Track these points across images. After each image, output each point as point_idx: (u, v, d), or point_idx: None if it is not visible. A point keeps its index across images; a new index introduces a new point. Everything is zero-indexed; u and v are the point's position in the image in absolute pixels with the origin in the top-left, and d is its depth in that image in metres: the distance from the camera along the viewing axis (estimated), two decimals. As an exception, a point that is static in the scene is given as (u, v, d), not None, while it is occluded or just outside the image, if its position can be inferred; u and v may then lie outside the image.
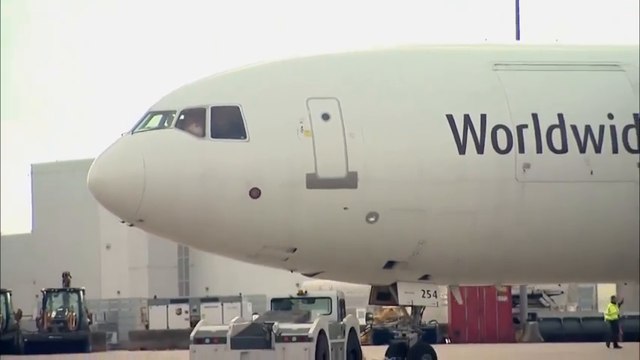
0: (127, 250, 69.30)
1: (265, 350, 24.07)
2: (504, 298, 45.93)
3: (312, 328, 24.27)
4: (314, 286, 39.97)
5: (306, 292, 27.09)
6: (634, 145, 25.04)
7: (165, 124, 23.92)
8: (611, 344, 40.62)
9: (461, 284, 28.79)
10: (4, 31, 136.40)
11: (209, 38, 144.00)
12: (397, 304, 25.79)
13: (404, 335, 25.69)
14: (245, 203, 23.61)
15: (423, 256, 24.74)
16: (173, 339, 50.12)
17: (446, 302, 37.83)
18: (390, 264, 24.69)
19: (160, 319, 53.03)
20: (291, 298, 26.42)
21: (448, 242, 24.97)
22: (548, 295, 51.57)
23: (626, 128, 24.96)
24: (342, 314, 26.34)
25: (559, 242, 25.52)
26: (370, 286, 26.45)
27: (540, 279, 38.78)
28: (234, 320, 25.02)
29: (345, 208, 23.78)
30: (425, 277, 25.23)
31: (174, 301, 55.63)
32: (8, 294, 49.62)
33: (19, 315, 50.82)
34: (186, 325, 50.34)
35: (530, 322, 47.54)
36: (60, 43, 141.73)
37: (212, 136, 23.55)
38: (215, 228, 24.40)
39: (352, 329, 26.13)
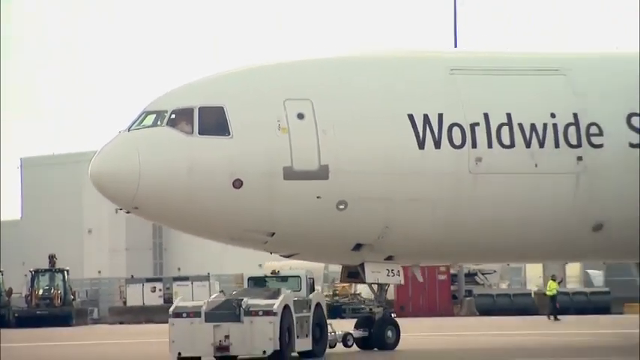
0: (107, 234, 71.09)
1: (235, 323, 24.75)
2: (444, 277, 48.27)
3: (276, 303, 25.04)
4: (278, 265, 39.60)
5: (278, 271, 27.85)
6: (573, 141, 26.53)
7: (158, 122, 25.31)
8: (551, 317, 42.89)
9: (421, 264, 30.07)
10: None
11: (201, 36, 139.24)
12: (365, 282, 27.38)
13: (370, 310, 27.48)
14: (229, 193, 24.96)
15: (387, 240, 26.16)
16: (148, 314, 51.73)
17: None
18: (358, 246, 26.17)
19: (137, 296, 54.54)
20: (266, 276, 27.29)
21: (410, 227, 26.34)
22: (483, 274, 53.73)
23: (567, 126, 26.45)
24: (310, 291, 27.29)
25: (507, 227, 27.03)
26: (341, 266, 28.27)
27: (491, 259, 41.88)
28: (213, 296, 26.17)
29: (317, 197, 25.22)
30: (389, 258, 26.73)
31: (149, 280, 57.22)
32: (0, 274, 51.51)
33: (9, 292, 52.85)
34: (160, 302, 52.71)
35: (467, 298, 49.99)
36: (56, 42, 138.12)
37: (199, 133, 24.87)
38: (202, 215, 25.82)
39: (318, 304, 26.97)
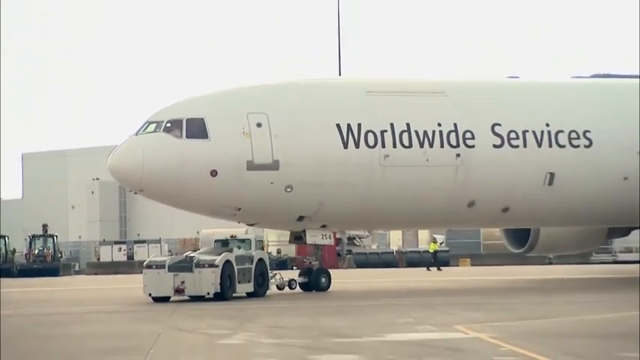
0: (85, 209, 77.62)
1: (188, 273, 27.62)
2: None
3: (218, 259, 27.66)
4: (210, 232, 46.05)
5: (235, 235, 31.40)
6: (454, 143, 30.95)
7: (157, 129, 29.08)
8: (433, 268, 49.31)
9: (345, 230, 35.23)
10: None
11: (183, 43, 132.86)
12: (306, 243, 31.43)
13: (310, 262, 31.62)
14: (207, 180, 28.87)
15: (321, 213, 30.34)
16: (115, 267, 58.63)
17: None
18: (300, 218, 30.23)
19: (107, 254, 61.17)
20: (227, 239, 30.39)
21: (338, 204, 30.46)
22: (359, 238, 60.57)
23: (449, 132, 30.87)
24: (260, 249, 30.40)
25: (407, 203, 31.37)
26: (289, 232, 32.30)
27: (395, 227, 46.95)
28: (185, 255, 29.03)
29: (271, 183, 29.17)
30: (323, 226, 30.87)
31: (116, 243, 64.17)
32: (7, 238, 59.70)
33: (13, 252, 60.97)
34: (124, 259, 60.31)
35: (348, 255, 57.00)
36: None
37: (187, 137, 28.82)
38: (188, 195, 29.71)
39: (261, 259, 29.51)
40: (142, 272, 28.56)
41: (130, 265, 57.01)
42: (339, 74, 46.02)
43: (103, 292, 36.74)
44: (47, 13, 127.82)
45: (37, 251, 58.57)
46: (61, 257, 60.39)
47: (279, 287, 30.74)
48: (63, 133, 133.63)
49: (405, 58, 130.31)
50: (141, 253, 58.12)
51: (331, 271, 33.29)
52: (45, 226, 59.96)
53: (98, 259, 61.84)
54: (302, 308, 25.59)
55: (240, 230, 37.41)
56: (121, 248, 62.11)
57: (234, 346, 17.39)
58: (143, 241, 62.70)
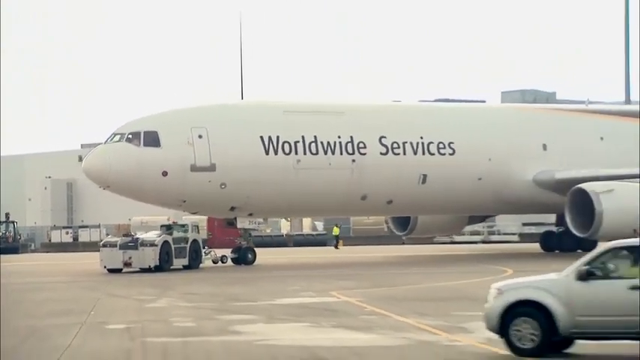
0: (40, 201, 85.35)
1: (134, 250, 31.15)
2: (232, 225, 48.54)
3: (157, 239, 31.19)
4: (139, 220, 48.22)
5: (176, 221, 35.11)
6: (350, 151, 35.50)
7: (121, 140, 33.22)
8: (335, 247, 53.07)
9: (268, 217, 38.84)
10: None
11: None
12: (237, 228, 35.21)
13: (240, 242, 35.57)
14: (160, 179, 32.92)
15: (249, 204, 34.23)
16: (64, 247, 65.43)
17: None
18: (232, 208, 34.28)
19: (57, 237, 68.71)
20: (170, 224, 33.92)
21: (261, 197, 34.27)
22: (257, 224, 60.04)
23: (347, 143, 35.39)
24: (196, 232, 34.16)
25: (313, 197, 35.55)
26: (224, 219, 36.06)
27: (305, 215, 50.26)
28: (137, 236, 32.58)
29: (209, 181, 32.95)
30: (250, 215, 34.94)
31: (64, 228, 71.88)
32: None
33: (-17, 234, 67.27)
34: (71, 240, 67.59)
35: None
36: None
37: (144, 146, 32.82)
38: (145, 190, 33.73)
39: (195, 240, 33.15)
40: (85, 251, 32.94)
41: (75, 246, 64.31)
42: (242, 98, 49.90)
43: (54, 267, 38.51)
44: (47, 13, 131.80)
45: (0, 234, 65.39)
46: (20, 239, 67.34)
47: (214, 261, 35.03)
48: (19, 138, 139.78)
49: (301, 83, 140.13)
50: (84, 236, 66.52)
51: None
52: (7, 215, 66.62)
53: (50, 240, 68.81)
54: (211, 279, 27.61)
55: (162, 218, 41.50)
56: (68, 232, 68.92)
57: (157, 308, 19.33)
58: (86, 226, 69.85)
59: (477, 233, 59.13)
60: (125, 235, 34.27)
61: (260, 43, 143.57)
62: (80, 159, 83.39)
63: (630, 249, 12.05)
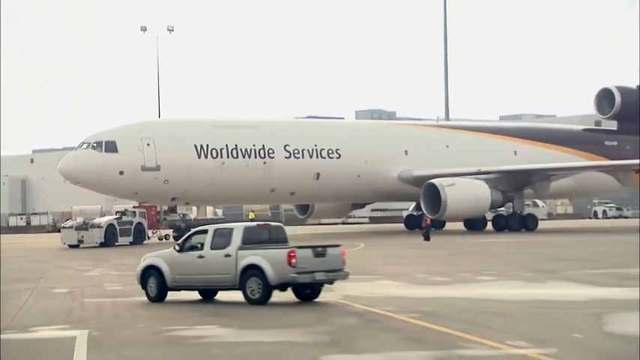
0: (6, 195, 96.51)
1: (86, 231, 37.23)
2: (174, 211, 49.98)
3: (103, 222, 37.44)
4: (80, 209, 53.38)
5: (127, 209, 41.32)
6: (263, 156, 42.24)
7: (88, 147, 40.21)
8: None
9: (201, 205, 47.03)
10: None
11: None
12: (177, 214, 43.44)
13: (179, 224, 42.99)
14: (117, 177, 39.75)
15: (186, 195, 41.28)
16: (18, 230, 73.94)
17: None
18: (173, 199, 41.85)
19: (14, 221, 79.22)
20: (124, 211, 40.54)
21: (195, 190, 41.08)
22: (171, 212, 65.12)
23: (260, 149, 42.31)
24: (143, 217, 41.18)
25: (236, 190, 42.03)
26: (168, 207, 43.92)
27: (229, 203, 55.44)
28: (93, 221, 39.30)
29: (155, 178, 39.98)
30: (187, 203, 42.88)
31: (19, 214, 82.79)
32: None
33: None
34: (24, 224, 77.74)
35: (164, 220, 53.36)
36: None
37: (105, 152, 39.72)
38: (107, 186, 40.88)
39: (140, 222, 40.13)
40: (35, 233, 38.16)
41: (28, 229, 74.35)
42: (159, 116, 55.33)
43: (10, 245, 43.22)
44: (47, 13, 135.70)
45: None
46: (-17, 224, 78.63)
47: (160, 239, 42.57)
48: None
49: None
50: (35, 221, 78.30)
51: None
52: None
53: (8, 224, 79.34)
54: (140, 252, 25.32)
55: (96, 207, 48.28)
56: (22, 218, 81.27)
57: (93, 276, 21.42)
58: (36, 213, 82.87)
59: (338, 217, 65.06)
60: (84, 221, 40.64)
61: (176, 65, 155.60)
62: (32, 161, 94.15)
63: (201, 232, 17.10)
